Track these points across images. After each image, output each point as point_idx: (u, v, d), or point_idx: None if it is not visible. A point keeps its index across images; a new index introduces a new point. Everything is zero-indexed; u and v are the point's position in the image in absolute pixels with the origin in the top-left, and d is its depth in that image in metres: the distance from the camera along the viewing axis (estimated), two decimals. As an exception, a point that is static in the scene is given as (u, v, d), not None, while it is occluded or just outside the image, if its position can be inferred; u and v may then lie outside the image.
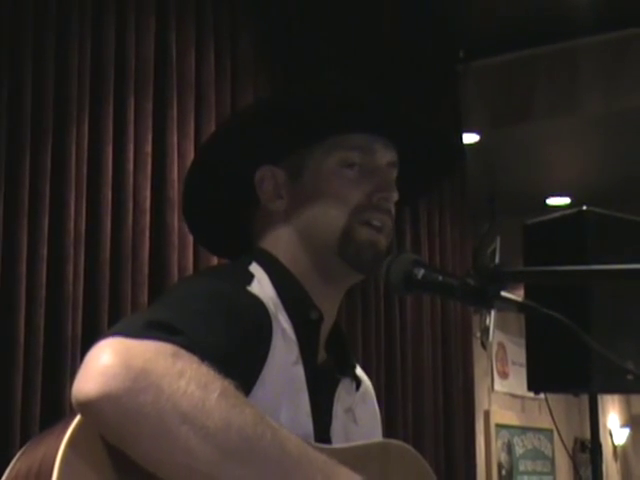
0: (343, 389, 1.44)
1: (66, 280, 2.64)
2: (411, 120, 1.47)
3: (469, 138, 4.93)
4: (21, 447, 1.18)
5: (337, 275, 1.42)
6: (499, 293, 1.22)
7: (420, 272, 1.29)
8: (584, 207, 3.11)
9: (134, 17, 3.00)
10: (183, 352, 1.08)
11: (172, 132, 3.04)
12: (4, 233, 2.54)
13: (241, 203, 1.47)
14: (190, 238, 3.01)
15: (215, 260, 3.06)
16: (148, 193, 2.93)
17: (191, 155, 3.08)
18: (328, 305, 1.42)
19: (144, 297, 2.83)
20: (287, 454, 1.10)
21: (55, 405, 2.55)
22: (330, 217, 1.39)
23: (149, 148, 2.96)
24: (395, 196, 1.42)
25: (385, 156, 1.43)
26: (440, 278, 1.27)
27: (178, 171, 3.03)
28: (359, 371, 1.51)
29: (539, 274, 1.38)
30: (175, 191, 3.00)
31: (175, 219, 2.98)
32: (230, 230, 1.53)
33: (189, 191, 1.50)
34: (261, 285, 1.34)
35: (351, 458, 1.27)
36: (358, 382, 1.48)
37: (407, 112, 1.47)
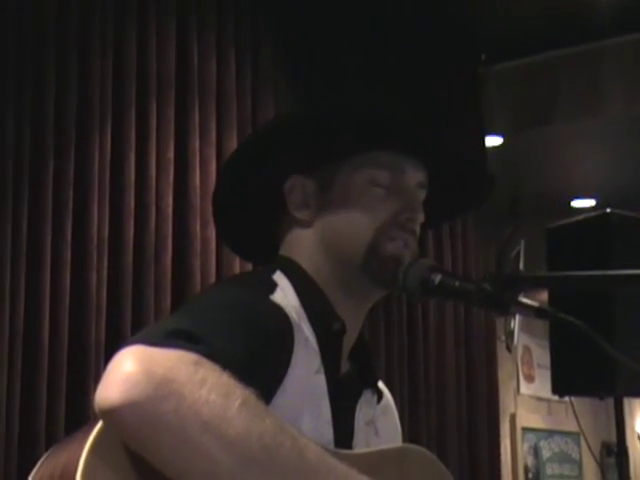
0: (364, 401, 1.45)
1: (89, 286, 2.67)
2: (444, 145, 1.48)
3: (492, 141, 4.91)
4: (46, 450, 1.19)
5: (359, 288, 1.42)
6: (516, 298, 1.22)
7: (437, 278, 1.30)
8: (608, 210, 3.10)
9: (155, 25, 3.03)
10: (205, 361, 1.09)
11: (194, 138, 3.06)
12: (28, 240, 2.57)
13: (269, 210, 1.48)
14: (212, 243, 3.03)
15: (237, 266, 3.09)
16: (170, 199, 2.95)
17: (213, 161, 3.10)
18: (351, 317, 1.42)
19: (167, 303, 2.84)
20: (307, 462, 1.11)
21: (79, 409, 2.57)
22: (356, 230, 1.40)
23: (171, 154, 2.98)
24: (421, 218, 1.43)
25: (414, 177, 1.44)
26: (457, 284, 1.28)
27: (200, 177, 3.05)
28: (381, 384, 1.52)
29: (557, 279, 1.37)
30: (197, 197, 3.01)
31: (197, 225, 2.99)
32: (258, 235, 1.54)
33: (219, 195, 1.52)
34: (285, 294, 1.35)
35: (370, 463, 1.28)
36: (380, 395, 1.49)
37: (440, 136, 1.48)
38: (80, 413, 2.56)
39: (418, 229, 1.44)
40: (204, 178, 3.05)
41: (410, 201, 1.42)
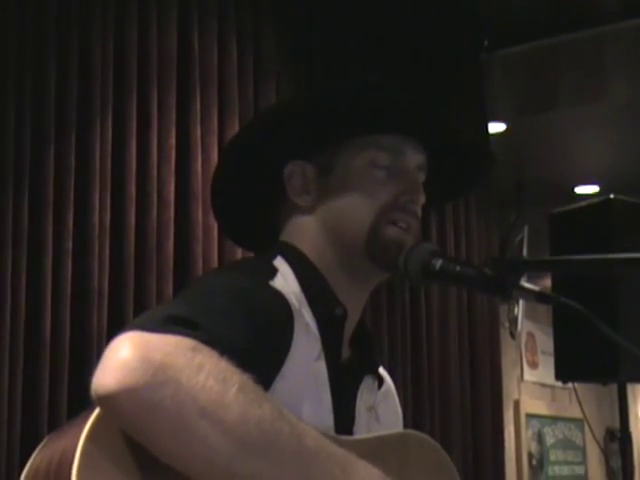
0: (365, 387, 1.45)
1: (91, 274, 2.66)
2: (443, 125, 1.47)
3: (495, 127, 4.89)
4: (49, 441, 1.19)
5: (362, 272, 1.42)
6: (517, 283, 1.21)
7: (438, 263, 1.29)
8: (611, 195, 3.09)
9: (156, 12, 3.01)
10: (202, 347, 1.09)
11: (195, 126, 3.04)
12: (30, 228, 2.56)
13: (269, 197, 1.48)
14: (214, 231, 3.02)
15: (240, 253, 3.08)
16: (172, 186, 2.94)
17: (214, 148, 3.08)
18: (353, 302, 1.42)
19: (169, 290, 2.83)
20: (305, 448, 1.11)
21: (82, 399, 2.56)
22: (358, 214, 1.40)
23: (173, 142, 2.97)
24: (422, 199, 1.43)
25: (414, 159, 1.44)
26: (458, 268, 1.28)
27: (202, 164, 3.04)
28: (382, 370, 1.52)
29: (558, 263, 1.37)
30: (199, 184, 3.00)
31: (199, 212, 2.98)
32: (257, 223, 1.54)
33: (218, 183, 1.51)
34: (285, 280, 1.34)
35: (370, 449, 1.28)
36: (380, 380, 1.49)
37: (439, 116, 1.47)
38: (83, 402, 2.55)
39: (419, 211, 1.43)
40: (206, 165, 3.04)
41: (411, 183, 1.42)
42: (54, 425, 2.46)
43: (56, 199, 2.63)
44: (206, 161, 3.05)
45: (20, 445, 2.43)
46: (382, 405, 1.49)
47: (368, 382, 1.46)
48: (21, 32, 2.65)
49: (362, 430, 1.40)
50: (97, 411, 1.08)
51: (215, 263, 3.01)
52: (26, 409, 2.47)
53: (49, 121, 2.65)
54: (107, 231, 2.73)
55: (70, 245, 2.63)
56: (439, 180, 1.50)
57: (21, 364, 2.48)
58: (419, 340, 4.02)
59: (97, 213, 2.71)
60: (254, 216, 1.54)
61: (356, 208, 1.40)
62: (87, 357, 2.61)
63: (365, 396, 1.44)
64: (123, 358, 1.05)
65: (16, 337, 2.48)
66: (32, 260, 2.55)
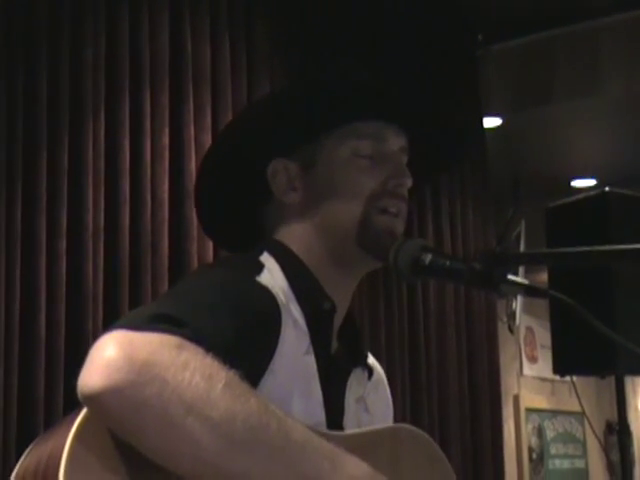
0: (354, 379, 1.45)
1: (86, 275, 2.65)
2: (420, 107, 1.47)
3: (491, 122, 4.89)
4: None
5: (354, 263, 1.42)
6: (506, 276, 1.21)
7: (427, 257, 1.29)
8: (606, 188, 3.09)
9: (148, 10, 3.00)
10: (188, 344, 1.09)
11: (189, 124, 3.04)
12: (23, 229, 2.55)
13: (253, 197, 1.47)
14: (209, 230, 3.01)
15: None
16: (166, 186, 2.93)
17: (208, 147, 3.07)
18: (341, 295, 1.42)
19: (164, 290, 2.82)
20: (293, 443, 1.11)
21: (78, 399, 2.56)
22: (347, 206, 1.39)
23: (166, 141, 2.96)
24: (409, 182, 1.43)
25: (396, 142, 1.44)
26: (447, 263, 1.27)
27: (196, 163, 3.03)
28: (371, 360, 1.51)
29: (548, 256, 1.36)
30: (193, 183, 2.99)
31: (194, 211, 2.96)
32: (242, 225, 1.53)
33: (201, 186, 1.51)
34: (272, 275, 1.34)
35: (361, 444, 1.28)
36: (370, 371, 1.49)
37: (416, 99, 1.47)
38: (79, 403, 2.55)
39: (407, 194, 1.43)
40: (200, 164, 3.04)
41: (396, 167, 1.42)
42: (50, 426, 2.45)
43: (49, 200, 2.62)
44: (200, 160, 3.03)
45: (16, 447, 2.42)
46: (372, 395, 1.48)
47: (357, 373, 1.46)
48: (11, 32, 2.64)
49: (351, 422, 1.40)
50: (84, 411, 1.08)
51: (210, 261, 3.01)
52: (22, 411, 2.46)
53: (41, 122, 2.64)
54: (101, 232, 2.73)
55: (64, 246, 2.62)
56: (422, 156, 1.49)
57: (16, 367, 2.48)
58: (417, 336, 4.02)
59: (91, 214, 2.70)
60: (239, 217, 1.53)
61: (344, 200, 1.40)
62: (83, 357, 2.58)
63: (354, 388, 1.44)
64: (107, 357, 1.05)
65: (11, 340, 2.47)
66: (26, 262, 2.54)
